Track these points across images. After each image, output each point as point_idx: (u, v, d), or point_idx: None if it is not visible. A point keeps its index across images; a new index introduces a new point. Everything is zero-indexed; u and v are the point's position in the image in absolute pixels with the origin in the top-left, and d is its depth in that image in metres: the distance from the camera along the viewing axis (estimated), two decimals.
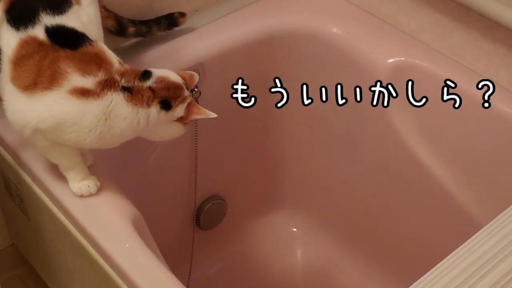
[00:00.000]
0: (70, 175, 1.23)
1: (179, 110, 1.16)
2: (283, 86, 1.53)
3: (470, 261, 0.88)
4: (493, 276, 0.86)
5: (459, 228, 1.42)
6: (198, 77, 1.23)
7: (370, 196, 1.65)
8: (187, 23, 1.57)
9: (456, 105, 1.41)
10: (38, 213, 1.37)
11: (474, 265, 0.87)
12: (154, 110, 1.14)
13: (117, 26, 1.44)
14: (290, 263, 1.77)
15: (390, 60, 1.48)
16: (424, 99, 1.45)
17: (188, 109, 1.17)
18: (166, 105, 1.15)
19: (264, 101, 1.68)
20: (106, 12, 1.40)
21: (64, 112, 1.10)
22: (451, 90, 1.41)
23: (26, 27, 1.14)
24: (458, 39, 1.44)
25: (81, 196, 1.22)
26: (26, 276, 1.69)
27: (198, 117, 1.19)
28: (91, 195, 1.22)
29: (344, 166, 1.67)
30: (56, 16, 1.16)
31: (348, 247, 1.72)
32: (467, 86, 1.39)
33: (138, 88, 1.13)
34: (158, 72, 1.17)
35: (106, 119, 1.11)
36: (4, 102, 1.16)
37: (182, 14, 1.52)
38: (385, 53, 1.49)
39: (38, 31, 1.14)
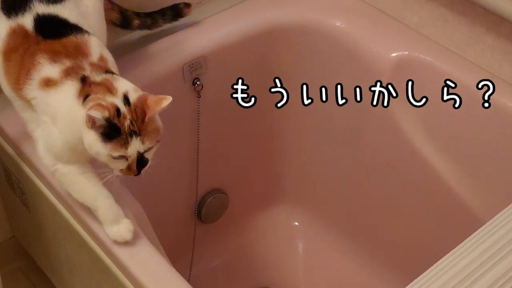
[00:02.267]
0: (99, 215, 1.14)
1: (87, 107, 1.02)
2: (286, 81, 1.53)
3: (472, 257, 0.88)
4: (495, 273, 0.86)
5: (460, 225, 1.42)
6: (168, 101, 1.06)
7: (371, 192, 1.64)
8: (189, 16, 1.57)
9: (459, 101, 1.40)
10: (39, 205, 1.37)
11: (475, 262, 0.87)
12: (79, 103, 1.04)
13: (121, 19, 1.42)
14: (291, 257, 1.77)
15: (394, 54, 1.47)
16: (426, 95, 1.45)
17: (90, 106, 1.02)
18: (85, 100, 1.05)
19: (266, 95, 1.68)
20: (110, 4, 1.38)
21: (37, 105, 1.09)
22: (453, 87, 1.40)
23: (16, 14, 1.10)
24: (462, 34, 1.43)
25: (115, 241, 1.13)
26: (27, 268, 1.69)
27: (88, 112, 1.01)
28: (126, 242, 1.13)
29: (346, 161, 1.67)
30: (51, 5, 1.11)
31: (349, 242, 1.72)
32: (470, 81, 1.39)
33: (89, 80, 1.06)
34: (117, 76, 1.08)
35: (66, 111, 1.05)
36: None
37: (187, 5, 1.50)
38: (388, 47, 1.49)
39: (27, 20, 1.10)
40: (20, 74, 1.08)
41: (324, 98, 1.64)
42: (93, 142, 1.02)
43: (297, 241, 1.80)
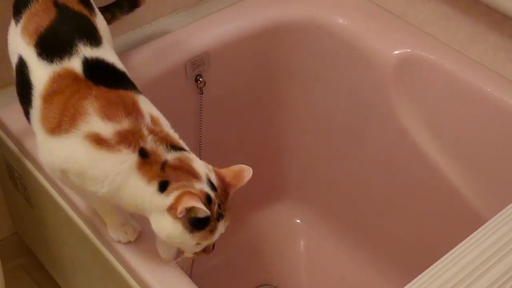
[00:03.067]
0: (106, 219, 1.12)
1: (170, 199, 0.95)
2: (288, 78, 1.53)
3: (474, 256, 0.88)
4: (497, 271, 0.86)
5: (462, 223, 1.42)
6: (250, 173, 1.05)
7: (374, 189, 1.64)
8: (193, 12, 1.57)
9: (462, 99, 1.40)
10: (42, 201, 1.37)
11: (478, 259, 0.87)
12: (151, 188, 0.96)
13: None
14: (293, 254, 1.77)
15: (396, 52, 1.47)
16: (429, 93, 1.45)
17: (181, 199, 0.94)
18: (163, 187, 0.96)
19: (269, 92, 1.68)
20: None
21: (75, 159, 0.98)
22: (457, 83, 1.41)
23: (61, 58, 1.03)
24: (466, 32, 1.43)
25: (119, 242, 1.12)
26: (30, 265, 1.70)
27: (185, 206, 0.93)
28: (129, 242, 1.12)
29: (349, 159, 1.67)
30: (94, 48, 1.05)
31: (351, 239, 1.72)
32: (473, 80, 1.39)
33: (154, 158, 0.96)
34: (188, 153, 1.00)
35: (114, 179, 0.96)
36: (36, 140, 1.05)
37: None
38: (391, 44, 1.48)
39: (75, 63, 1.02)
40: (62, 118, 0.99)
41: (326, 96, 1.64)
42: (178, 232, 0.96)
43: (299, 239, 1.79)
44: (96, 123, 0.97)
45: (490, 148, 1.40)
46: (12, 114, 1.34)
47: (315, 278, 1.73)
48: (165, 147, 0.98)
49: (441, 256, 0.89)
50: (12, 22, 1.14)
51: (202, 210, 0.93)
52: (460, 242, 0.90)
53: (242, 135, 1.70)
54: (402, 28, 1.53)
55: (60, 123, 0.99)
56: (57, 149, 1.00)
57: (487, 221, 0.94)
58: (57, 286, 1.59)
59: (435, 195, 1.51)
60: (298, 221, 1.82)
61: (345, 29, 1.54)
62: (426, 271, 0.87)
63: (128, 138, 0.96)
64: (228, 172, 1.03)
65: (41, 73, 1.04)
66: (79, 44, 1.04)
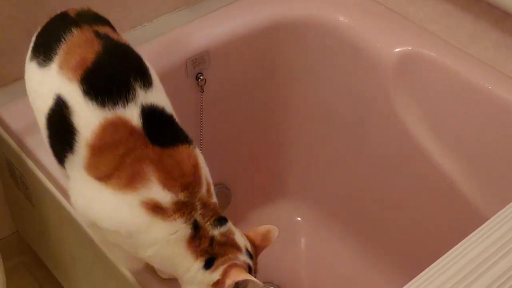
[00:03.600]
0: (124, 264, 1.09)
1: (216, 275, 0.94)
2: (289, 76, 1.53)
3: (475, 253, 0.87)
4: (498, 270, 0.86)
5: (463, 221, 1.42)
6: (276, 233, 1.04)
7: (375, 188, 1.64)
8: (193, 10, 1.57)
9: (462, 96, 1.40)
10: (43, 200, 1.37)
11: (479, 257, 0.87)
12: (197, 264, 0.94)
13: None
14: (293, 252, 1.77)
15: (397, 50, 1.47)
16: (430, 90, 1.45)
17: (228, 275, 0.93)
18: (209, 263, 0.94)
19: (269, 90, 1.68)
20: None
21: (125, 221, 0.93)
22: (458, 81, 1.40)
23: (115, 103, 0.92)
24: (466, 29, 1.43)
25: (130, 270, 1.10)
26: (31, 263, 1.70)
27: (238, 279, 0.94)
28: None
29: (349, 157, 1.67)
30: (147, 90, 0.96)
31: (352, 237, 1.72)
32: (474, 77, 1.38)
33: (203, 232, 0.94)
34: (232, 227, 0.99)
35: (162, 246, 0.93)
36: (70, 183, 0.99)
37: None
38: (392, 42, 1.48)
39: (132, 113, 0.92)
40: (115, 173, 0.92)
41: (327, 93, 1.64)
42: None
43: (299, 237, 1.79)
44: (157, 191, 0.91)
45: (491, 146, 1.40)
46: (13, 112, 1.34)
47: (316, 276, 1.74)
48: (213, 222, 0.96)
49: (442, 254, 0.89)
50: (33, 62, 1.02)
51: (257, 282, 0.94)
52: (461, 241, 0.90)
53: (242, 133, 1.70)
54: (403, 25, 1.53)
55: (112, 177, 0.92)
56: (102, 201, 0.94)
57: (488, 219, 0.93)
58: (58, 285, 1.59)
59: (435, 193, 1.51)
60: (299, 219, 1.82)
61: (345, 27, 1.54)
62: (427, 269, 0.87)
63: (183, 209, 0.93)
64: (256, 235, 1.03)
65: (89, 118, 0.92)
66: (135, 87, 0.94)
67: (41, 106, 0.99)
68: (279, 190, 1.83)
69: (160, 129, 0.95)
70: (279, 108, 1.71)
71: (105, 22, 1.08)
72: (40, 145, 1.28)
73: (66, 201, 1.25)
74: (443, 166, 1.46)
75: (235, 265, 0.95)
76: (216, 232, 0.96)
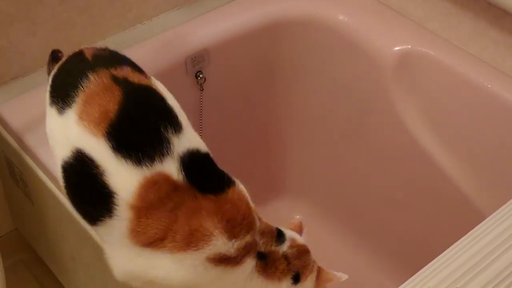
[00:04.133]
0: None
1: (309, 283, 0.96)
2: (288, 75, 1.52)
3: (474, 251, 0.88)
4: (498, 266, 0.86)
5: (463, 218, 1.42)
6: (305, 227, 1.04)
7: (374, 185, 1.64)
8: (193, 9, 1.57)
9: (461, 94, 1.40)
10: (42, 198, 1.37)
11: (478, 255, 0.87)
12: (284, 285, 0.93)
13: None
14: None
15: (397, 48, 1.47)
16: (429, 89, 1.45)
17: (319, 278, 0.97)
18: (296, 279, 0.94)
19: (269, 88, 1.68)
20: None
21: (191, 280, 0.87)
22: (457, 79, 1.40)
23: (151, 160, 0.85)
24: (466, 27, 1.43)
25: None
26: (30, 261, 1.70)
27: (329, 285, 0.99)
28: None
29: (349, 155, 1.67)
30: (180, 135, 0.90)
31: (351, 235, 1.72)
32: (473, 76, 1.38)
33: (274, 256, 0.92)
34: (288, 232, 0.98)
35: None
36: (108, 250, 0.92)
37: None
38: (391, 41, 1.48)
39: (170, 167, 0.86)
40: (168, 236, 0.85)
41: (326, 92, 1.64)
42: None
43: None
44: (223, 244, 0.86)
45: (490, 144, 1.40)
46: (12, 110, 1.34)
47: None
48: (276, 242, 0.94)
49: (442, 252, 0.89)
50: (53, 108, 0.96)
51: (344, 276, 1.01)
52: (460, 238, 0.90)
53: (242, 131, 1.70)
54: (402, 24, 1.53)
55: (165, 239, 0.85)
56: (157, 268, 0.87)
57: (487, 216, 0.93)
58: (58, 282, 1.59)
59: (434, 190, 1.51)
60: (298, 217, 1.82)
61: (345, 25, 1.54)
62: (427, 266, 0.87)
63: (250, 248, 0.90)
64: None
65: (126, 178, 0.85)
66: (167, 136, 0.88)
67: (58, 154, 0.94)
68: (278, 188, 1.83)
69: (203, 174, 0.90)
70: (278, 106, 1.71)
71: (123, 61, 1.01)
72: (39, 143, 1.28)
73: (66, 199, 1.25)
74: (442, 163, 1.46)
75: (320, 270, 0.98)
76: (284, 248, 0.94)
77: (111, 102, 0.90)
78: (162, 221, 0.85)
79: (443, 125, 1.46)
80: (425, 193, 1.53)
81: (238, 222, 0.88)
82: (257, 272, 0.90)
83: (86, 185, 0.89)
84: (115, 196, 0.85)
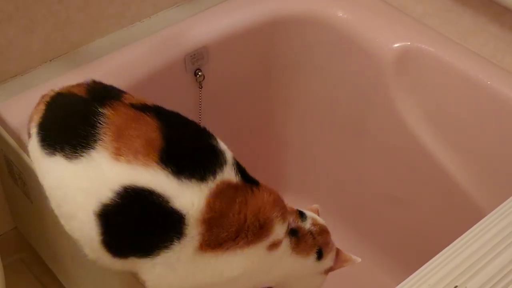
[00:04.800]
0: None
1: (329, 261, 1.03)
2: (288, 72, 1.52)
3: (475, 248, 0.87)
4: (498, 263, 0.86)
5: (464, 215, 1.42)
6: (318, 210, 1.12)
7: (375, 182, 1.64)
8: (192, 6, 1.57)
9: (461, 91, 1.40)
10: (41, 196, 1.36)
11: (478, 252, 0.87)
12: (310, 260, 1.00)
13: None
14: None
15: (396, 45, 1.47)
16: (429, 85, 1.45)
17: (337, 258, 1.06)
18: (320, 254, 1.02)
19: (268, 85, 1.67)
20: None
21: (252, 269, 0.93)
22: (457, 76, 1.40)
23: (214, 173, 0.89)
24: (466, 24, 1.42)
25: None
26: (30, 259, 1.70)
27: (346, 265, 1.08)
28: None
29: (349, 152, 1.67)
30: (219, 142, 0.96)
31: (352, 231, 1.72)
32: (473, 72, 1.38)
33: (302, 231, 0.99)
34: (307, 212, 1.05)
35: (290, 268, 0.98)
36: (164, 273, 0.92)
37: None
38: (391, 37, 1.48)
39: (229, 172, 0.91)
40: (241, 233, 0.90)
41: (326, 89, 1.64)
42: (320, 283, 1.08)
43: None
44: (281, 229, 0.94)
45: (490, 141, 1.40)
46: (11, 109, 1.34)
47: None
48: (300, 218, 1.01)
49: (442, 249, 0.89)
50: (52, 157, 0.92)
51: (358, 260, 1.10)
52: (461, 235, 0.90)
53: (241, 129, 1.70)
54: (402, 20, 1.52)
55: (238, 237, 0.90)
56: (227, 265, 0.91)
57: (488, 213, 0.93)
58: (58, 281, 1.59)
59: (435, 187, 1.51)
60: (316, 205, 1.82)
61: (344, 22, 1.54)
62: (427, 263, 0.87)
63: (287, 229, 0.98)
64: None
65: (193, 197, 0.87)
66: (217, 146, 0.93)
67: (84, 202, 0.90)
68: (279, 185, 1.81)
69: (244, 171, 0.96)
70: (278, 104, 1.70)
71: (116, 88, 1.01)
72: None
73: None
74: (442, 160, 1.46)
75: (339, 251, 1.07)
76: (307, 225, 1.02)
77: (150, 130, 0.90)
78: (234, 223, 0.89)
79: (443, 121, 1.46)
80: (425, 189, 1.53)
81: (284, 207, 0.96)
82: (291, 249, 0.97)
83: (143, 219, 0.88)
84: (185, 217, 0.87)
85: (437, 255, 0.88)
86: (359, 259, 1.08)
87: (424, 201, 1.54)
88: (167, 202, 0.86)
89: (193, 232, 0.88)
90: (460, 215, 1.44)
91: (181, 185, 0.87)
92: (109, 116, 0.90)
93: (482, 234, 0.89)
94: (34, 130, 0.98)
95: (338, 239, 1.76)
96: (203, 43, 1.49)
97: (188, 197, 0.87)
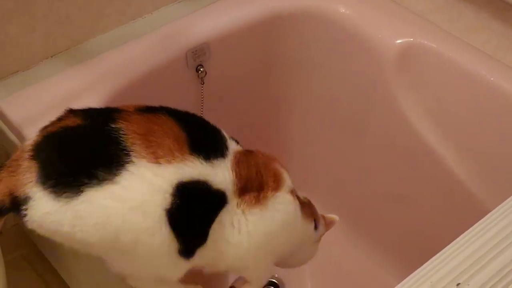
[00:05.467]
0: None
1: (321, 228, 1.15)
2: (290, 68, 1.52)
3: (476, 247, 0.87)
4: (500, 261, 0.86)
5: (465, 213, 1.41)
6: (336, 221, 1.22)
7: (376, 179, 1.64)
8: (193, 2, 1.56)
9: (464, 87, 1.40)
10: None
11: (479, 251, 0.87)
12: (311, 227, 1.13)
13: None
14: None
15: (399, 41, 1.46)
16: (431, 81, 1.44)
17: (325, 224, 1.17)
18: (315, 224, 1.14)
19: (270, 81, 1.67)
20: None
21: (289, 213, 1.05)
22: (459, 72, 1.40)
23: (227, 147, 0.99)
24: (468, 20, 1.42)
25: None
26: (31, 256, 1.70)
27: (332, 226, 1.19)
28: None
29: (350, 149, 1.67)
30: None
31: (354, 230, 1.72)
32: (476, 68, 1.38)
33: (301, 200, 1.10)
34: None
35: (296, 228, 1.09)
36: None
37: None
38: (393, 33, 1.48)
39: (232, 143, 1.03)
40: (265, 187, 1.02)
41: (328, 85, 1.64)
42: (314, 252, 1.21)
43: None
44: (287, 177, 1.07)
45: (492, 137, 1.39)
46: (12, 105, 1.34)
47: (317, 268, 1.73)
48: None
49: (444, 247, 0.89)
50: (90, 193, 0.86)
51: (336, 217, 1.22)
52: (463, 233, 0.90)
53: (243, 125, 1.70)
54: (404, 16, 1.52)
55: (262, 188, 1.01)
56: (265, 220, 1.01)
57: (490, 211, 0.93)
58: (60, 278, 1.59)
59: (436, 185, 1.50)
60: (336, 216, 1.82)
61: (346, 18, 1.53)
62: (429, 261, 0.86)
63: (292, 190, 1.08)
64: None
65: (224, 174, 0.95)
66: (214, 125, 1.04)
67: (143, 220, 0.87)
68: None
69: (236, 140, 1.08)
70: (279, 100, 1.70)
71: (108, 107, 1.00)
72: None
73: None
74: (444, 157, 1.46)
75: (323, 216, 1.17)
76: (302, 198, 1.13)
77: (170, 127, 0.92)
78: (256, 183, 0.99)
79: (445, 118, 1.45)
80: (426, 187, 1.53)
81: (280, 164, 1.08)
82: (300, 211, 1.07)
83: (201, 209, 0.93)
84: (225, 192, 0.95)
85: (439, 253, 0.88)
86: (337, 217, 1.18)
87: (426, 199, 1.54)
88: (210, 185, 0.92)
89: (233, 203, 0.96)
90: (462, 213, 1.44)
91: (213, 166, 0.93)
92: (125, 128, 0.89)
93: (484, 232, 0.89)
94: (33, 190, 0.88)
95: (339, 237, 1.77)
96: (204, 39, 1.49)
97: (220, 174, 0.93)
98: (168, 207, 0.87)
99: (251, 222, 0.98)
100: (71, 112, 0.96)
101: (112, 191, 0.86)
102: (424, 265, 0.86)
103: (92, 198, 0.86)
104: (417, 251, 1.29)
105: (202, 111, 1.56)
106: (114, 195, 0.86)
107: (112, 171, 0.86)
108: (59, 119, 0.96)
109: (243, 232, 0.98)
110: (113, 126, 0.89)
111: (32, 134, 1.29)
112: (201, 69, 1.51)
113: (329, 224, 1.18)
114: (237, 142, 1.06)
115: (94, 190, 0.86)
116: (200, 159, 0.91)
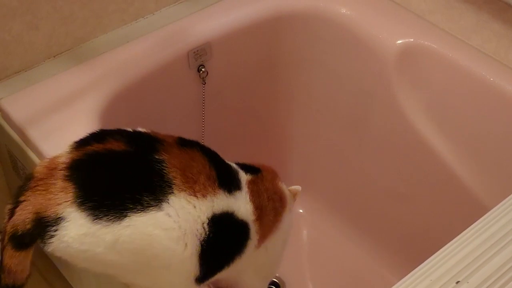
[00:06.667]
0: None
1: (292, 203, 1.19)
2: (290, 68, 1.52)
3: (476, 245, 0.88)
4: (499, 260, 0.86)
5: (465, 211, 1.42)
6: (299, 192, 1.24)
7: (377, 179, 1.64)
8: (195, 2, 1.57)
9: (464, 87, 1.40)
10: None
11: (479, 249, 0.87)
12: (292, 216, 1.20)
13: None
14: (295, 243, 1.77)
15: (399, 41, 1.47)
16: (432, 82, 1.45)
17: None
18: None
19: (271, 81, 1.67)
20: None
21: (290, 225, 1.16)
22: (460, 72, 1.40)
23: (239, 180, 1.04)
24: (468, 20, 1.42)
25: None
26: (34, 255, 1.69)
27: (298, 197, 1.22)
28: None
29: (351, 148, 1.67)
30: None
31: (354, 228, 1.72)
32: (476, 69, 1.38)
33: (284, 194, 1.20)
34: None
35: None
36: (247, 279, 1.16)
37: None
38: (394, 34, 1.48)
39: (243, 174, 1.06)
40: (276, 212, 1.12)
41: (329, 85, 1.64)
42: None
43: (301, 228, 1.80)
44: (285, 189, 1.17)
45: (493, 137, 1.40)
46: (15, 104, 1.34)
47: (318, 267, 1.74)
48: None
49: (444, 245, 0.89)
50: (134, 218, 0.87)
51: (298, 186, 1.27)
52: (463, 231, 0.90)
53: (244, 125, 1.70)
54: (405, 17, 1.52)
55: (278, 213, 1.11)
56: (275, 243, 1.13)
57: (490, 209, 0.93)
58: (62, 278, 1.59)
59: (438, 184, 1.51)
60: (301, 210, 1.82)
61: (347, 19, 1.54)
62: (429, 259, 0.87)
63: None
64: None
65: (244, 204, 1.01)
66: (225, 160, 1.07)
67: (178, 247, 0.92)
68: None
69: (245, 166, 1.12)
70: (281, 100, 1.70)
71: (148, 131, 1.03)
72: (42, 137, 1.28)
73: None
74: (444, 156, 1.46)
75: (294, 193, 1.24)
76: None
77: (203, 164, 0.97)
78: (269, 209, 1.07)
79: (446, 118, 1.46)
80: (427, 186, 1.53)
81: (274, 170, 1.17)
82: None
83: (229, 239, 1.01)
84: (248, 222, 1.02)
85: (439, 251, 0.88)
86: (299, 187, 1.21)
87: (426, 197, 1.54)
88: (236, 216, 0.99)
89: (253, 231, 1.03)
90: (462, 211, 1.45)
91: (235, 198, 0.99)
92: (167, 161, 0.93)
93: (484, 230, 0.89)
94: (67, 210, 0.87)
95: (339, 235, 1.77)
96: (206, 39, 1.50)
97: (242, 206, 1.00)
98: (203, 237, 0.94)
99: (270, 248, 1.12)
100: (106, 133, 0.97)
101: (156, 218, 0.89)
102: (424, 263, 0.86)
103: (137, 224, 0.87)
104: (417, 248, 1.30)
105: (203, 110, 1.56)
106: (157, 222, 0.89)
107: (156, 200, 0.89)
108: (108, 140, 0.95)
109: (261, 256, 1.11)
110: (157, 157, 0.93)
111: (34, 133, 1.30)
112: (203, 69, 1.51)
113: (295, 195, 1.21)
114: (238, 164, 1.09)
115: (138, 215, 0.88)
116: (225, 193, 0.98)
